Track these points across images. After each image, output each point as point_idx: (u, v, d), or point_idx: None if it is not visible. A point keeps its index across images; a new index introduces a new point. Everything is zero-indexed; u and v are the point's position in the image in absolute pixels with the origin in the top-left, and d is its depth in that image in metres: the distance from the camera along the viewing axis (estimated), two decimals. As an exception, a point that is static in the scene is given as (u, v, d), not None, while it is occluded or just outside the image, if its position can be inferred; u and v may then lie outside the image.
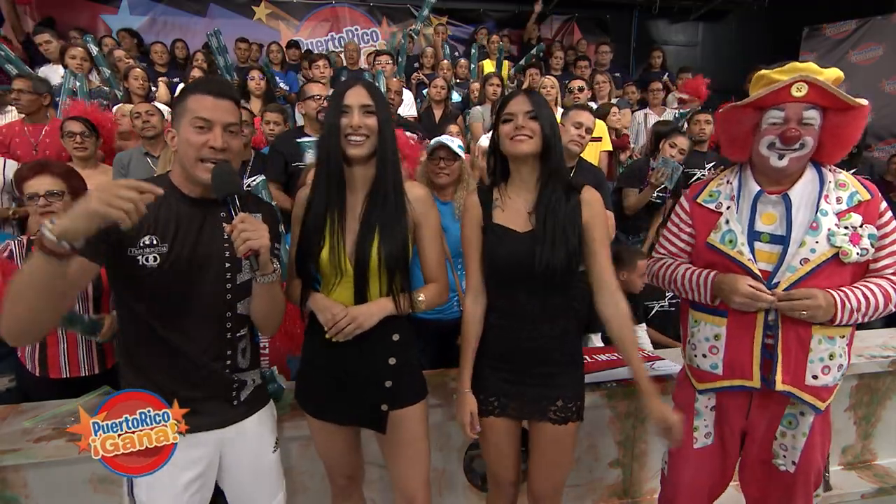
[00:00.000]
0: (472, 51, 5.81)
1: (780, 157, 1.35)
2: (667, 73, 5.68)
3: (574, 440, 1.50)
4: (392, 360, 1.41)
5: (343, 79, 4.90)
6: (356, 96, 1.34)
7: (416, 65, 5.55)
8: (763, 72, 1.38)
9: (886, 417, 2.33)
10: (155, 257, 1.21)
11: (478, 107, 4.30)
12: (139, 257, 1.20)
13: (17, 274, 1.04)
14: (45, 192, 1.83)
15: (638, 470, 2.16)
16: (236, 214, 1.16)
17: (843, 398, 2.26)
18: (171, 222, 1.24)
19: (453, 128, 3.67)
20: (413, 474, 1.48)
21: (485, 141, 3.73)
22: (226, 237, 1.22)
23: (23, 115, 3.35)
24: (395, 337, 1.42)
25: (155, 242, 1.21)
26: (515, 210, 1.45)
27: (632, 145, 4.13)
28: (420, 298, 1.43)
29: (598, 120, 3.79)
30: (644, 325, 2.82)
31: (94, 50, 4.40)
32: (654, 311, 2.97)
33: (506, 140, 1.41)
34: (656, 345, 2.80)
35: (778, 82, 1.31)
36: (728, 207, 1.45)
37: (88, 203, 0.96)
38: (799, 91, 1.30)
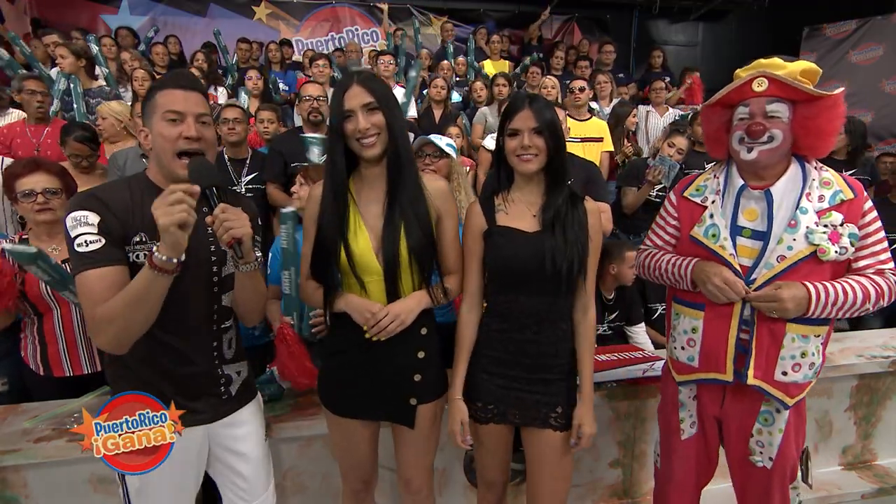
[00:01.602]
0: (469, 44, 5.80)
1: (749, 151, 1.38)
2: (668, 77, 5.68)
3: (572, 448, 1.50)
4: (421, 354, 1.43)
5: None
6: (356, 97, 1.31)
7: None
8: (736, 72, 1.44)
9: (886, 417, 2.33)
10: (144, 254, 1.22)
11: (484, 108, 4.28)
12: (130, 255, 1.22)
13: (127, 294, 1.13)
14: (43, 189, 1.84)
15: (638, 470, 2.16)
16: (216, 205, 1.16)
17: (843, 398, 2.27)
18: (153, 219, 1.24)
19: (453, 129, 3.66)
20: (417, 464, 1.51)
21: (489, 142, 3.74)
22: (209, 231, 1.22)
23: (24, 116, 3.34)
24: (423, 331, 1.43)
25: (144, 240, 1.23)
26: (520, 213, 1.45)
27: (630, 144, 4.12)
28: (449, 288, 1.45)
29: (599, 121, 3.81)
30: (643, 324, 2.83)
31: (95, 49, 4.37)
32: (657, 314, 2.97)
33: (512, 157, 1.42)
34: (657, 345, 2.80)
35: (739, 79, 1.38)
36: (713, 201, 1.47)
37: (159, 224, 1.07)
38: (760, 86, 1.36)
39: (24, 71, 4.26)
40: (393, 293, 1.38)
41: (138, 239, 1.23)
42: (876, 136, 6.09)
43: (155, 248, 1.10)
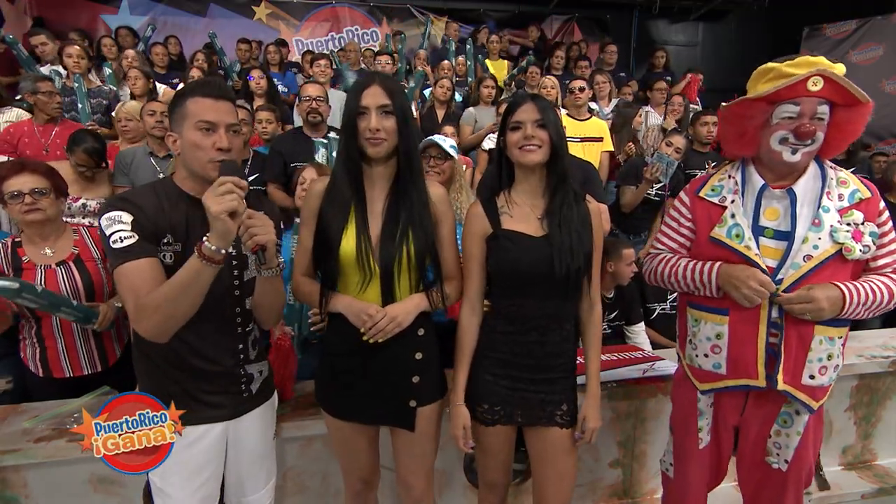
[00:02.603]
0: (468, 47, 5.81)
1: (794, 152, 1.34)
2: (670, 77, 5.68)
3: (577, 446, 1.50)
4: (419, 356, 1.42)
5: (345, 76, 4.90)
6: (373, 96, 1.31)
7: (407, 66, 5.53)
8: (772, 64, 1.36)
9: (886, 417, 2.33)
10: (171, 255, 1.26)
11: (470, 108, 4.26)
12: (159, 255, 1.26)
13: (174, 283, 1.17)
14: (31, 189, 1.82)
15: (638, 470, 2.16)
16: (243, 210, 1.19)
17: (843, 398, 2.27)
18: (182, 223, 1.28)
19: (448, 128, 3.66)
20: (417, 468, 1.50)
21: (488, 143, 3.73)
22: None
23: (24, 116, 3.34)
24: (421, 332, 1.42)
25: (170, 241, 1.27)
26: (524, 215, 1.44)
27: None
28: (448, 293, 1.45)
29: (599, 121, 3.81)
30: (643, 324, 2.82)
31: (108, 71, 4.36)
32: (655, 314, 2.97)
33: (514, 149, 1.41)
34: (655, 345, 2.80)
35: (795, 76, 1.29)
36: (733, 201, 1.43)
37: (210, 212, 1.10)
38: (815, 85, 1.29)
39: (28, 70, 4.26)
40: (388, 295, 1.38)
41: (166, 240, 1.26)
42: (876, 135, 6.10)
43: (205, 238, 1.13)
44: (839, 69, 1.31)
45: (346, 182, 1.37)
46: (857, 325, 3.10)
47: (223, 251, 1.13)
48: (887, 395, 2.31)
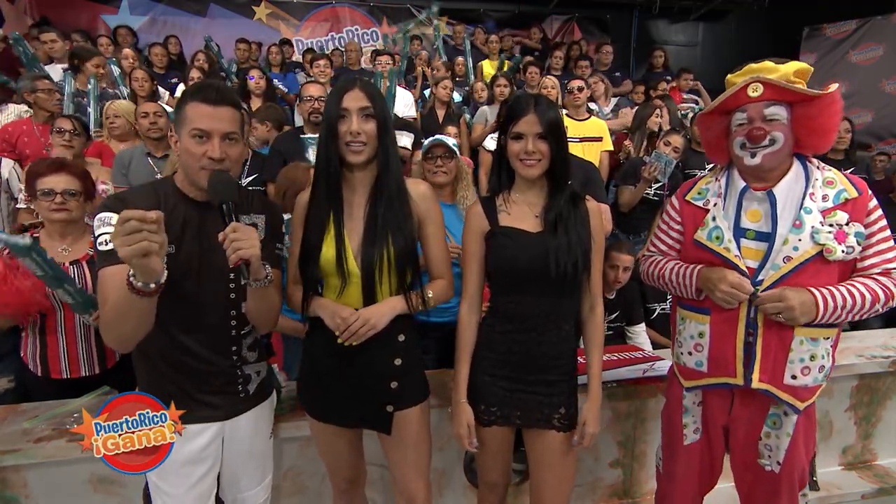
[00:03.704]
0: (465, 45, 5.80)
1: (753, 156, 1.37)
2: (669, 77, 5.68)
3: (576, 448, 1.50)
4: (398, 361, 1.41)
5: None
6: (354, 99, 1.32)
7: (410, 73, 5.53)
8: (728, 77, 1.43)
9: (886, 417, 2.34)
10: (163, 258, 1.23)
11: (485, 107, 4.26)
12: None
13: (114, 306, 1.15)
14: (63, 189, 1.85)
15: (638, 470, 2.16)
16: (229, 223, 1.17)
17: (843, 398, 2.27)
18: (178, 224, 1.27)
19: (451, 129, 3.66)
20: (415, 475, 1.49)
21: (490, 143, 3.73)
22: None
23: (22, 113, 3.33)
24: (401, 338, 1.42)
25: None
26: (523, 213, 1.44)
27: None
28: (430, 295, 1.43)
29: (598, 120, 3.80)
30: (643, 324, 2.83)
31: (117, 71, 4.36)
32: (655, 313, 2.97)
33: (515, 160, 1.41)
34: (655, 345, 2.81)
35: (734, 86, 1.37)
36: (715, 204, 1.46)
37: (120, 255, 1.02)
38: (755, 91, 1.35)
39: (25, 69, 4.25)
40: (370, 297, 1.38)
41: None
42: (876, 136, 6.11)
43: (130, 272, 1.08)
44: (787, 68, 1.34)
45: (325, 189, 1.37)
46: (857, 325, 3.13)
47: (152, 284, 1.08)
48: (887, 395, 2.31)
